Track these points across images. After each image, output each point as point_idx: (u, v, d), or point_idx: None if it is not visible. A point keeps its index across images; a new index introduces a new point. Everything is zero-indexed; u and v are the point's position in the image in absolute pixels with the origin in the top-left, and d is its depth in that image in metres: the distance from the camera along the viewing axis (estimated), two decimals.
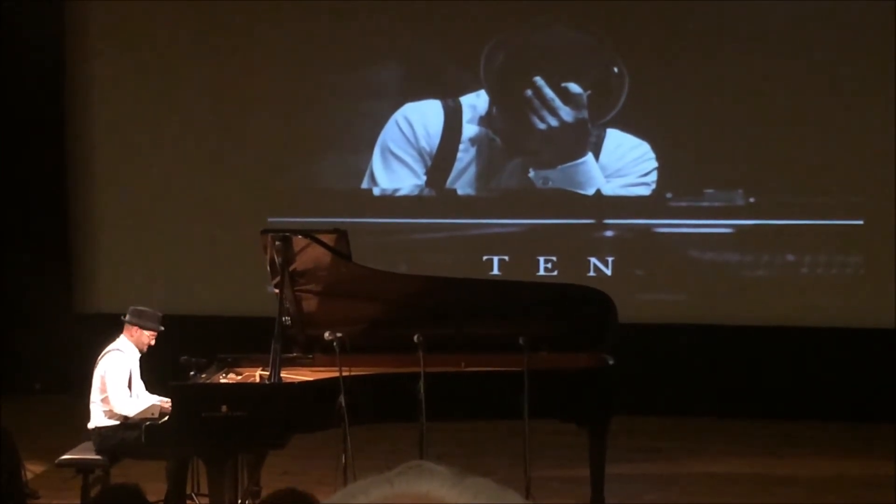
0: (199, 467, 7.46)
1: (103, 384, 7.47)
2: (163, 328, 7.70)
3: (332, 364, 6.99)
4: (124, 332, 7.65)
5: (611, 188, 11.41)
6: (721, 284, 11.30)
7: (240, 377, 7.51)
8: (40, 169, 12.14)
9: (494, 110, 11.58)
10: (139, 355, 7.63)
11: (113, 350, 7.57)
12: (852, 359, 10.86)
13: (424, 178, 11.72)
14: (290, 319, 7.33)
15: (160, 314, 7.76)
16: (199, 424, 6.82)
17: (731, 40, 11.13)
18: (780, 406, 10.78)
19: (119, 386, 7.44)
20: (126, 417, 7.44)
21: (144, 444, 6.95)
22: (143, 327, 7.63)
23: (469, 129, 11.60)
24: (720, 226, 11.29)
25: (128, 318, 7.67)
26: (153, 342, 7.66)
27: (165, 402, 7.26)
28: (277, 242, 7.13)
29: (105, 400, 7.45)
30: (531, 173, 11.60)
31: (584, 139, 11.42)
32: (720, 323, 11.16)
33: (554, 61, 11.42)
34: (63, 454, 7.50)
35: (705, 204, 11.29)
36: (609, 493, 7.63)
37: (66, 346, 11.65)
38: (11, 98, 12.04)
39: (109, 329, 8.12)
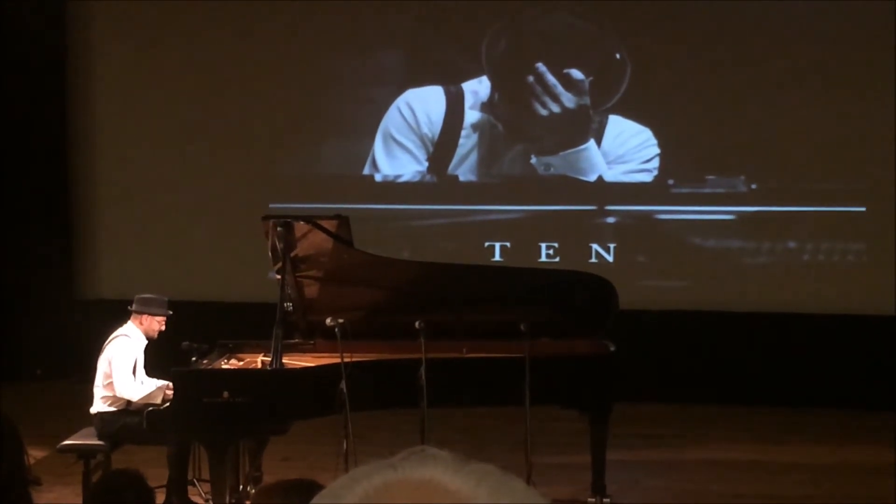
0: (201, 453, 7.48)
1: (109, 369, 7.48)
2: (171, 312, 7.70)
3: (333, 350, 7.00)
4: (132, 320, 7.64)
5: (613, 174, 11.40)
6: (723, 271, 11.30)
7: (241, 363, 7.52)
8: (42, 156, 12.14)
9: (496, 96, 11.56)
10: (146, 343, 7.63)
11: (120, 335, 7.58)
12: (854, 346, 10.86)
13: (426, 164, 11.71)
14: (292, 305, 7.33)
15: (166, 299, 7.76)
16: (200, 410, 6.84)
17: (733, 26, 11.11)
18: (781, 393, 10.79)
19: (123, 370, 7.44)
20: (129, 402, 7.45)
21: (146, 430, 6.97)
22: (152, 314, 7.63)
23: (471, 116, 11.59)
24: (722, 212, 11.28)
25: (135, 307, 7.67)
26: (164, 328, 7.66)
27: (170, 389, 7.27)
28: (279, 228, 7.14)
29: (109, 385, 7.46)
30: (533, 159, 11.60)
31: (585, 125, 11.41)
32: (721, 310, 11.16)
33: (556, 47, 11.41)
34: (64, 440, 7.52)
35: (707, 190, 11.29)
36: (610, 480, 7.65)
37: (67, 332, 11.68)
38: (15, 86, 12.03)
39: (111, 315, 8.15)
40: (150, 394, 7.42)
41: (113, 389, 7.46)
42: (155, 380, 7.60)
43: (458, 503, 0.97)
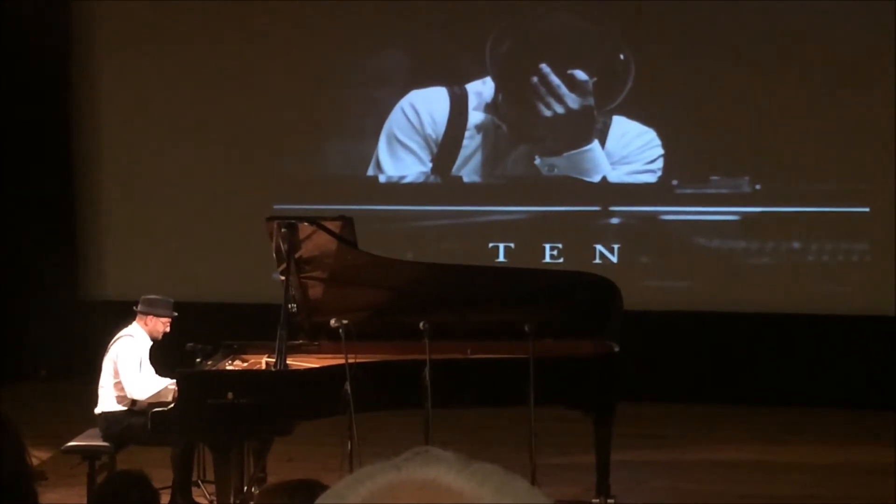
0: (205, 454, 7.48)
1: (115, 369, 7.48)
2: (176, 314, 7.70)
3: (337, 351, 7.00)
4: (137, 321, 7.64)
5: (617, 175, 11.40)
6: (727, 271, 11.30)
7: (246, 364, 7.53)
8: (47, 156, 12.16)
9: (500, 97, 11.57)
10: (150, 344, 7.63)
11: (125, 335, 7.58)
12: (857, 346, 10.85)
13: (430, 165, 11.72)
14: (296, 306, 7.34)
15: (172, 300, 7.76)
16: (204, 411, 6.84)
17: (737, 27, 11.11)
18: (784, 393, 10.79)
19: (131, 369, 7.44)
20: (134, 402, 7.44)
21: (150, 431, 6.97)
22: (157, 315, 7.63)
23: (475, 116, 11.59)
24: (726, 213, 11.28)
25: (140, 307, 7.67)
26: (168, 329, 7.66)
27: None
28: (283, 229, 7.14)
29: (117, 385, 7.46)
30: (537, 160, 11.60)
31: (589, 126, 11.41)
32: (725, 310, 11.16)
33: (560, 48, 11.41)
34: (69, 441, 7.53)
35: (711, 191, 11.28)
36: (615, 480, 7.65)
37: (71, 332, 11.68)
38: (20, 87, 12.04)
39: (115, 316, 8.15)
40: (159, 392, 7.41)
41: (118, 390, 7.46)
42: (162, 378, 7.60)
43: (461, 503, 0.97)
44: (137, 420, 7.27)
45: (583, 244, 11.47)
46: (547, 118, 11.47)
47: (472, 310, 7.61)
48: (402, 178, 11.79)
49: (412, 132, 11.70)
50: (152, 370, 7.64)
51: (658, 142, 11.32)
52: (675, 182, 11.36)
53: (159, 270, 11.78)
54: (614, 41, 11.36)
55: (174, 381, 7.30)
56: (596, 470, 7.59)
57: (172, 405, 6.99)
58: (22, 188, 12.12)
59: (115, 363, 7.49)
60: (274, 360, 7.08)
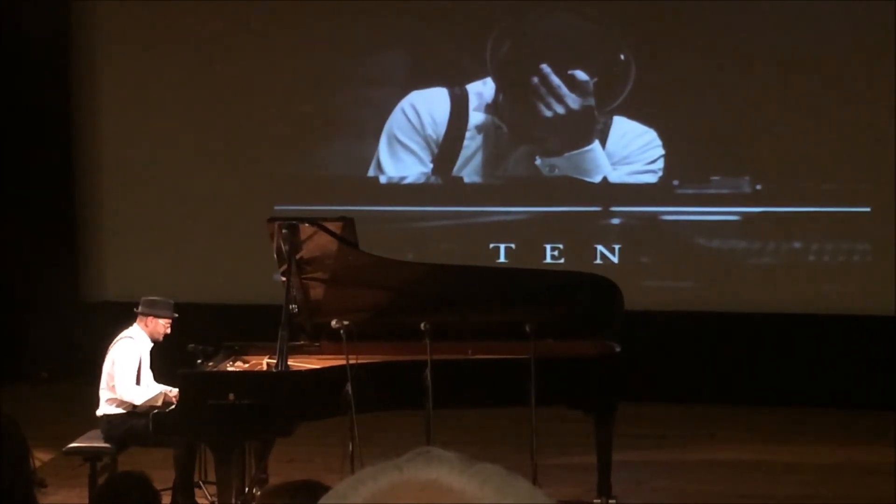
0: (207, 455, 7.48)
1: (113, 371, 7.48)
2: (177, 315, 7.70)
3: (338, 352, 7.01)
4: (137, 322, 7.64)
5: (617, 175, 11.40)
6: (727, 272, 11.29)
7: (247, 365, 7.53)
8: (48, 157, 12.16)
9: (501, 98, 11.56)
10: (151, 345, 7.63)
11: (124, 338, 7.58)
12: (858, 346, 10.85)
13: (431, 165, 11.71)
14: (297, 307, 7.34)
15: (172, 301, 7.76)
16: (206, 412, 6.84)
17: (737, 27, 11.11)
18: (785, 393, 10.78)
19: (126, 373, 7.44)
20: (133, 405, 7.45)
21: (152, 432, 6.97)
22: (157, 316, 7.62)
23: (475, 117, 11.59)
24: (726, 213, 11.28)
25: (140, 308, 7.67)
26: (169, 330, 7.65)
27: (172, 392, 7.29)
28: (284, 230, 7.14)
29: (114, 388, 7.46)
30: (538, 161, 11.60)
31: (590, 126, 11.41)
32: (726, 310, 11.16)
33: (560, 48, 11.41)
34: (70, 442, 7.52)
35: (712, 191, 11.28)
36: (616, 480, 7.65)
37: (72, 334, 11.68)
38: (19, 87, 12.04)
39: (116, 317, 8.15)
40: (152, 398, 7.43)
41: (115, 392, 7.47)
42: (157, 384, 7.60)
43: (463, 503, 0.98)
44: (139, 421, 7.28)
45: (583, 244, 11.47)
46: (547, 118, 11.47)
47: (473, 310, 7.62)
48: (403, 178, 11.79)
49: (413, 133, 11.70)
50: (150, 375, 7.64)
51: (659, 142, 11.32)
52: (675, 182, 11.36)
53: (159, 271, 11.78)
54: (614, 41, 11.36)
55: (168, 389, 7.34)
56: (597, 470, 7.59)
57: (173, 406, 7.00)
58: (22, 189, 12.12)
59: (113, 365, 7.50)
60: (275, 361, 7.08)
